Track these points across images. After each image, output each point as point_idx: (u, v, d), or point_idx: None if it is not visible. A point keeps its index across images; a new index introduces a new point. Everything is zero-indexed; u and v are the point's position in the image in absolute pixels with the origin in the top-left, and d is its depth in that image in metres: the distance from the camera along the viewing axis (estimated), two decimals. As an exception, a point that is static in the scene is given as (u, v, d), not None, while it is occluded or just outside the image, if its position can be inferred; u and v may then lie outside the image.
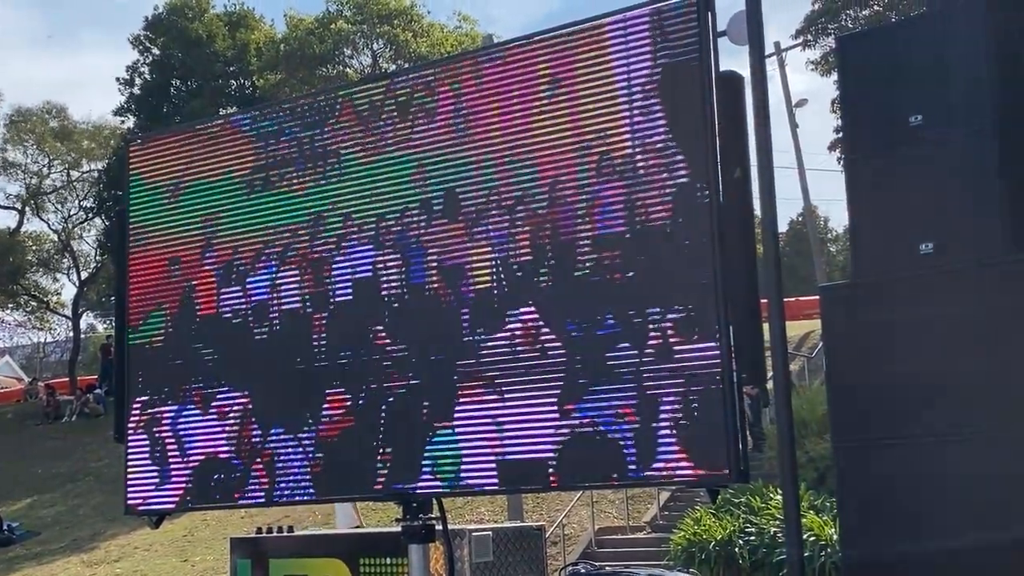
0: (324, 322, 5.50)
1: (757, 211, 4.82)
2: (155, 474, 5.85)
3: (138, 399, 5.97)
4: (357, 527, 11.50)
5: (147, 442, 5.89)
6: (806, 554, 10.12)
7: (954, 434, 4.16)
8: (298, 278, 5.61)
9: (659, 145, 4.86)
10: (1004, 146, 4.36)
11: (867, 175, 4.67)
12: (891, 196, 4.58)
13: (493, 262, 5.16)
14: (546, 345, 4.98)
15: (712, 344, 4.59)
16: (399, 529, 5.30)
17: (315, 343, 5.50)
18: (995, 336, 4.14)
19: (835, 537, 9.97)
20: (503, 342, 5.08)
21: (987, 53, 4.40)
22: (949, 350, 4.21)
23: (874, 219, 4.64)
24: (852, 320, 4.50)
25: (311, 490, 5.44)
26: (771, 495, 12.39)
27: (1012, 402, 4.05)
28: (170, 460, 5.81)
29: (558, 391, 4.91)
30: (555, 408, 4.91)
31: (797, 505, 4.46)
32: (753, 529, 11.77)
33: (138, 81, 37.26)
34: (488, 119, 5.23)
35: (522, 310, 5.06)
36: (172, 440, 5.82)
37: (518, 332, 5.05)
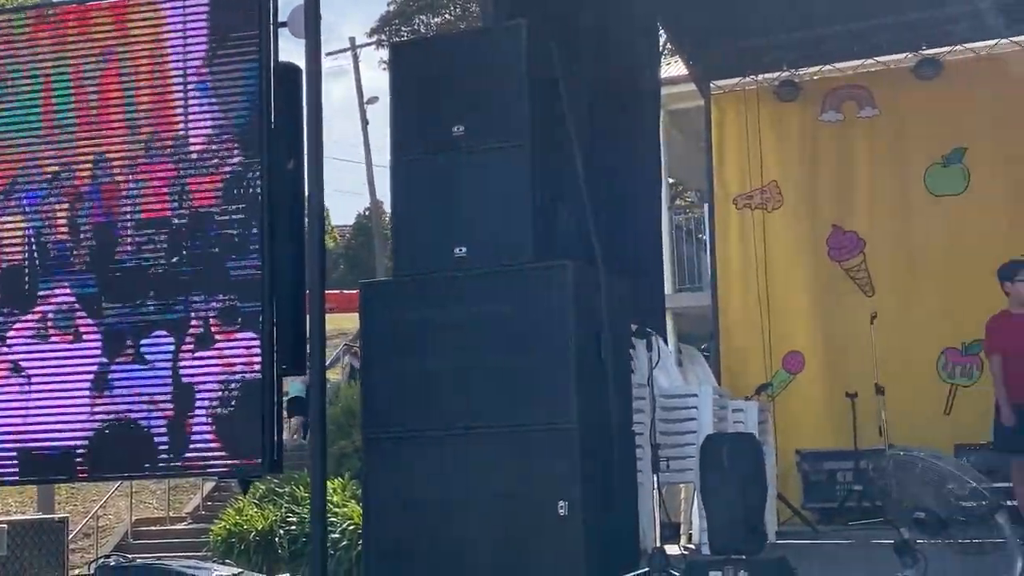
0: None
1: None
2: None
3: None
4: None
5: None
6: (344, 543, 10.34)
7: (470, 429, 4.44)
8: None
9: (213, 130, 4.80)
10: (536, 161, 4.73)
11: (410, 178, 4.87)
12: (431, 200, 4.81)
13: (26, 238, 4.85)
14: (80, 329, 4.77)
15: (254, 335, 4.60)
16: None
17: None
18: (516, 337, 4.47)
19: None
20: (33, 324, 4.80)
21: (524, 73, 4.74)
22: (473, 349, 4.49)
23: (415, 220, 4.86)
24: (388, 316, 4.68)
25: None
26: (316, 484, 12.50)
27: (522, 400, 4.40)
28: None
29: (91, 378, 4.73)
30: (87, 396, 4.72)
31: (323, 494, 4.59)
32: (295, 519, 11.84)
33: None
34: (34, 81, 4.91)
35: (56, 291, 4.80)
36: None
37: (50, 314, 4.79)
